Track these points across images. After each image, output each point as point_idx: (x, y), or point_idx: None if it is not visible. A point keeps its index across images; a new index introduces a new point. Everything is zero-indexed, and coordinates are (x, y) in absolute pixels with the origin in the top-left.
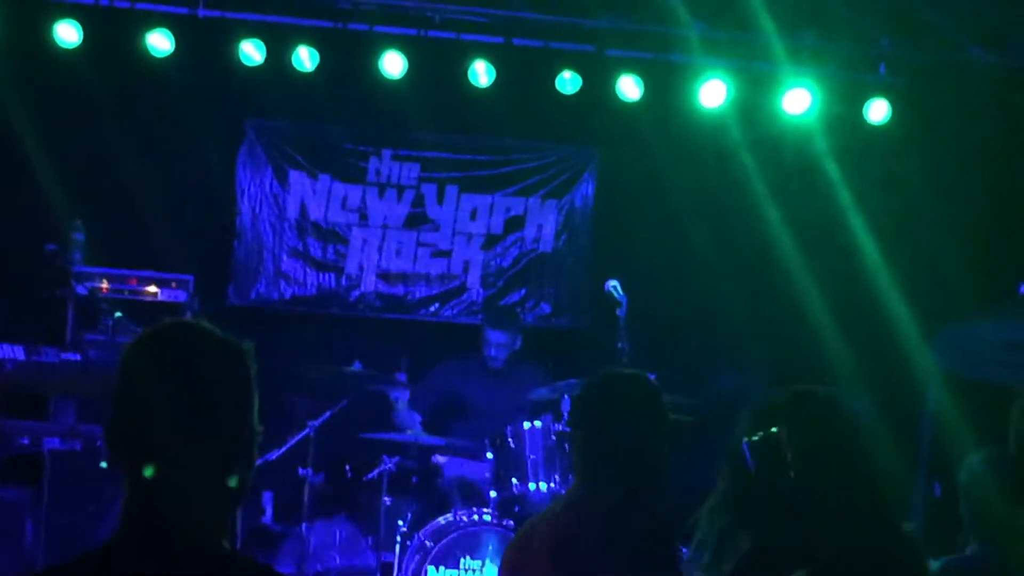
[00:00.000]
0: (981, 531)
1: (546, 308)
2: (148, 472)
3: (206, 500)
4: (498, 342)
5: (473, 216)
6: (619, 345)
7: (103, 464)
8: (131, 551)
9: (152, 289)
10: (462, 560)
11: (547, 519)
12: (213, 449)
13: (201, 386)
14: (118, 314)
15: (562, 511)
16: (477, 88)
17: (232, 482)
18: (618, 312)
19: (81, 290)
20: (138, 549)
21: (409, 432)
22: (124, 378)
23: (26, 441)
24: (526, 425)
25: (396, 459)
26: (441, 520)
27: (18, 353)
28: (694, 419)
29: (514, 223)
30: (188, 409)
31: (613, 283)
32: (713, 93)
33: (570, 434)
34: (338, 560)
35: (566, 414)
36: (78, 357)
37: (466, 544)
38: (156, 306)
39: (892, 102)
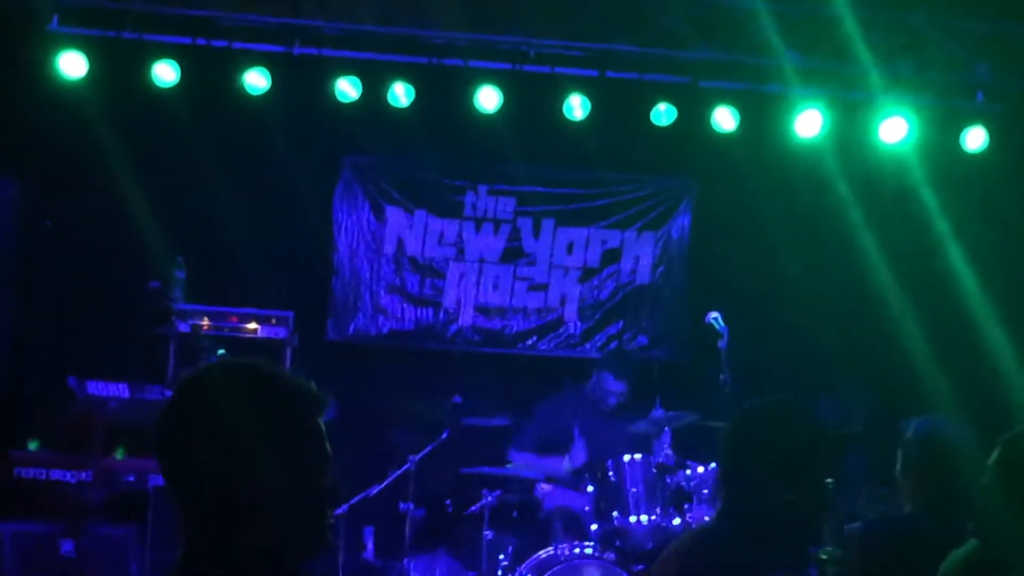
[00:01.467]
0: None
1: (643, 340)
2: None
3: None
4: (619, 391)
5: (569, 249)
6: (721, 377)
7: None
8: None
9: (252, 326)
10: None
11: (689, 546)
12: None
13: (235, 428)
14: (221, 351)
15: (702, 538)
16: (572, 121)
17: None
18: (719, 344)
19: (183, 327)
20: None
21: (509, 465)
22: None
23: (132, 479)
24: (626, 458)
25: (497, 493)
26: (542, 553)
27: (123, 391)
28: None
29: (610, 256)
30: (231, 452)
31: (714, 315)
32: (809, 123)
33: (718, 466)
34: None
35: (666, 446)
36: None
37: None
38: (256, 343)
39: (989, 130)
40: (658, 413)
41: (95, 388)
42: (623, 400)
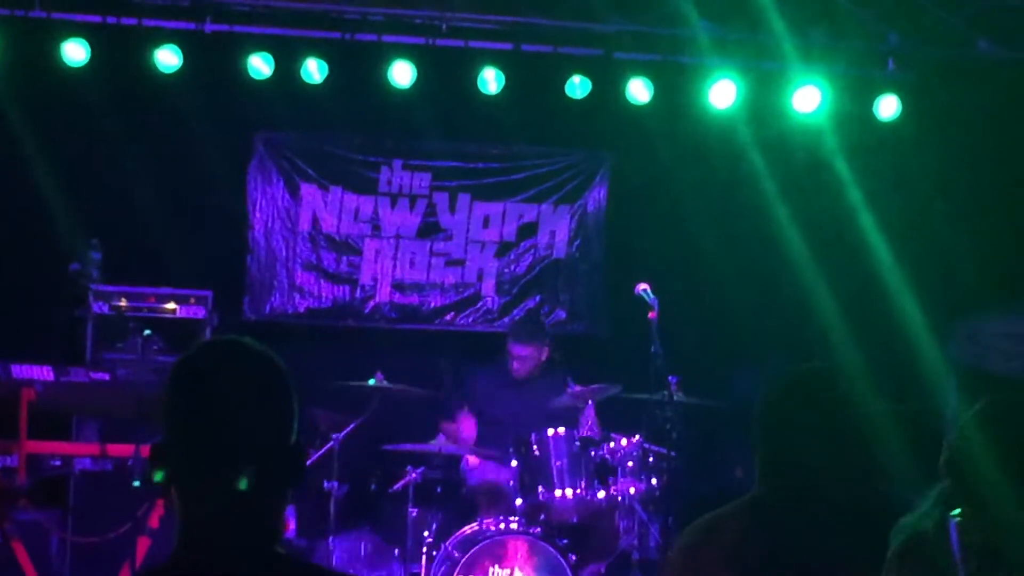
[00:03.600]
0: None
1: (561, 314)
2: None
3: (257, 512)
4: (521, 355)
5: (486, 224)
6: (652, 349)
7: (136, 483)
8: (192, 566)
9: (171, 306)
10: (490, 569)
11: (725, 522)
12: (262, 462)
13: (246, 400)
14: (148, 332)
15: (742, 514)
16: (487, 95)
17: (281, 492)
18: (650, 316)
19: (100, 309)
20: (198, 564)
21: (432, 441)
22: (171, 396)
23: (58, 463)
24: (550, 432)
25: (421, 469)
26: (467, 529)
27: (47, 374)
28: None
29: (527, 230)
30: (234, 425)
31: (644, 287)
32: (723, 93)
33: (755, 435)
34: (364, 573)
35: (590, 420)
36: (107, 376)
37: (494, 553)
38: (175, 323)
39: (902, 98)
40: (574, 388)
41: (19, 371)
42: (532, 365)
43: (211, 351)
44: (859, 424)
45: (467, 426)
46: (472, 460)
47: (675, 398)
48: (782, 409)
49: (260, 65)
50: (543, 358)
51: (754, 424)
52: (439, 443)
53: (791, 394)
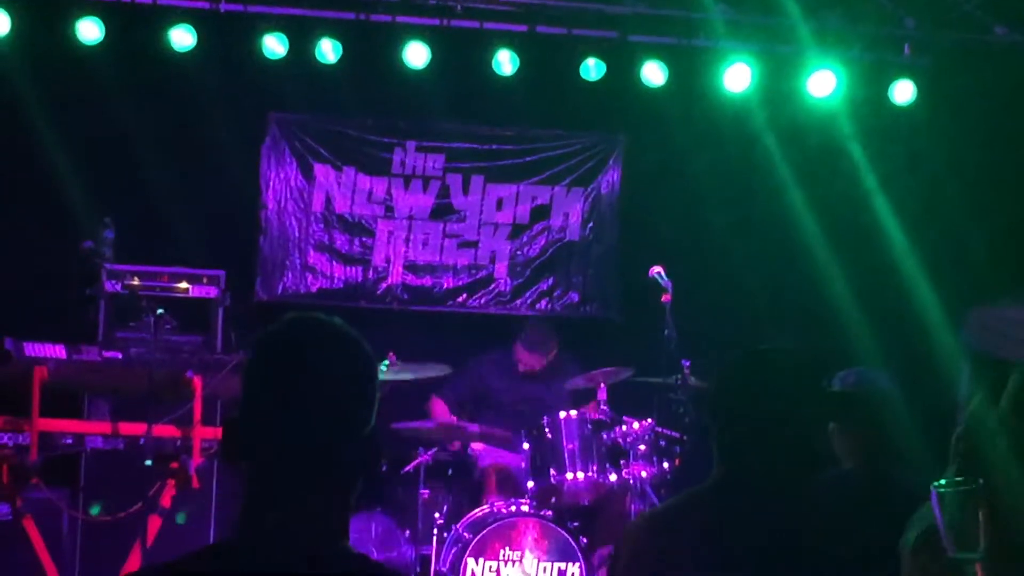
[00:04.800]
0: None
1: (574, 296)
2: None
3: (324, 499)
4: (528, 361)
5: (499, 206)
6: (665, 332)
7: (148, 462)
8: (251, 548)
9: (183, 285)
10: (501, 551)
11: (686, 510)
12: (337, 449)
13: (325, 384)
14: (160, 311)
15: (702, 501)
16: (501, 77)
17: (354, 482)
18: (663, 299)
19: (113, 288)
20: (258, 546)
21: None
22: (251, 373)
23: (70, 441)
24: (562, 415)
25: (432, 451)
26: (478, 511)
27: (59, 352)
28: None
29: (540, 212)
30: (312, 407)
31: (658, 270)
32: (738, 77)
33: (710, 417)
34: (375, 554)
35: (602, 403)
36: (119, 355)
37: (505, 535)
38: (188, 302)
39: (917, 83)
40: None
41: (32, 349)
42: (536, 368)
43: (300, 327)
44: (812, 406)
45: (440, 412)
46: (477, 446)
47: (687, 382)
48: (737, 391)
49: (274, 45)
50: (551, 358)
51: (709, 407)
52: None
53: (746, 376)
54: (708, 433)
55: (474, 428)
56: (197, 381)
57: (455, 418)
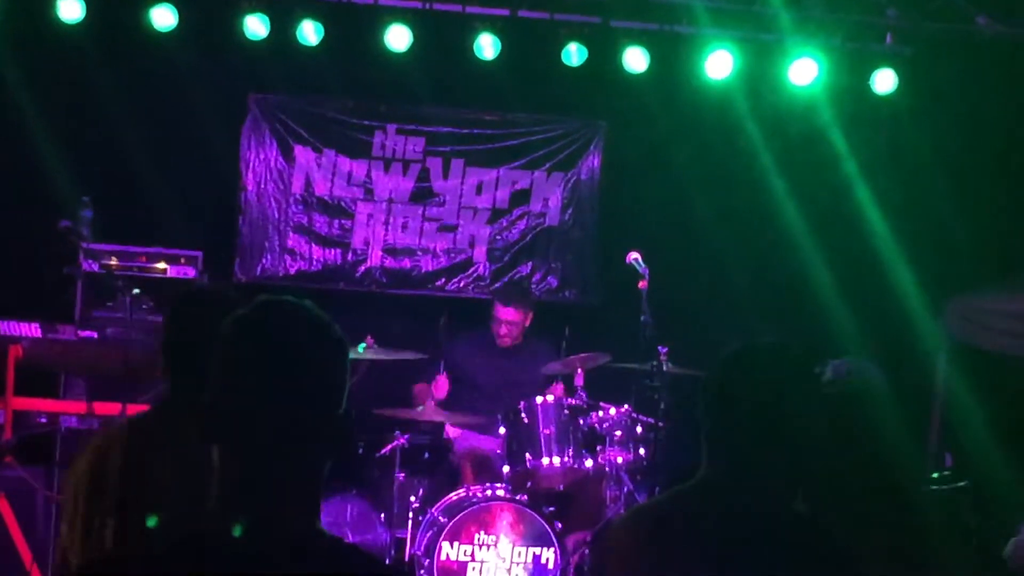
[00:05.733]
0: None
1: (553, 282)
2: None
3: (296, 480)
4: (509, 319)
5: (479, 190)
6: (642, 318)
7: None
8: (224, 534)
9: (161, 266)
10: (476, 535)
11: (674, 507)
12: (309, 432)
13: (296, 367)
14: (136, 291)
15: (691, 498)
16: (482, 61)
17: (324, 464)
18: (640, 285)
19: (90, 267)
20: (231, 532)
21: (420, 408)
22: (223, 357)
23: (44, 420)
24: (539, 399)
25: (408, 435)
26: (454, 496)
27: (35, 331)
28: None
29: (520, 197)
30: (284, 389)
31: (635, 255)
32: (719, 64)
33: (702, 413)
34: (350, 536)
35: (579, 388)
36: (95, 335)
37: (480, 519)
38: (165, 282)
39: (899, 72)
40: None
41: (6, 327)
42: (518, 331)
43: (271, 310)
44: (805, 403)
45: (441, 387)
46: (452, 431)
47: (664, 368)
48: (731, 387)
49: (256, 26)
50: (527, 324)
51: (702, 402)
52: (428, 410)
53: (741, 372)
54: (697, 427)
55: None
56: None
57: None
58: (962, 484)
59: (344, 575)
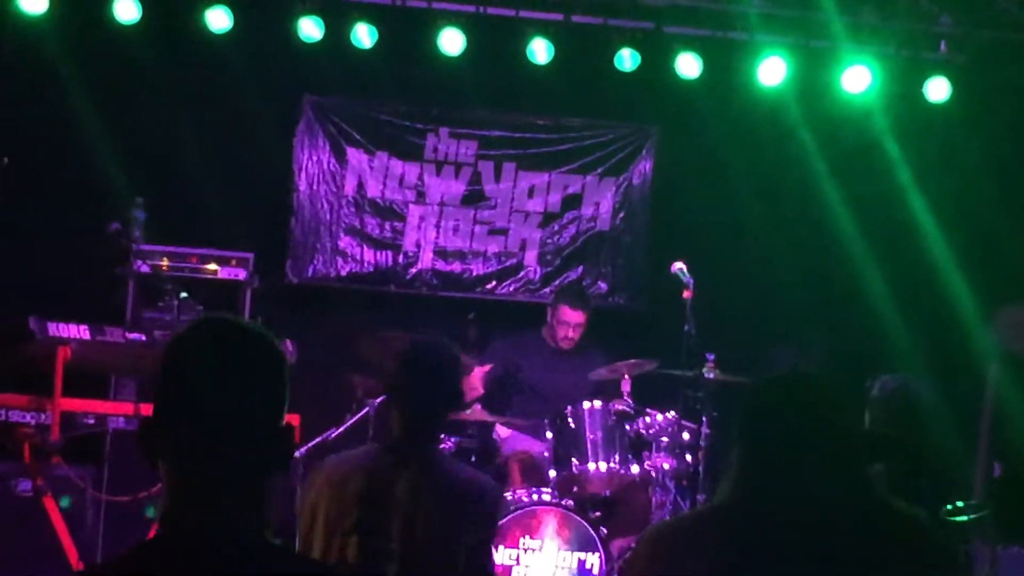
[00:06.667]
0: None
1: (603, 286)
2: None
3: (243, 495)
4: (575, 322)
5: (530, 194)
6: (685, 328)
7: None
8: (176, 546)
9: (212, 267)
10: (521, 539)
11: (698, 529)
12: (252, 445)
13: (239, 382)
14: (184, 294)
15: (715, 520)
16: (535, 65)
17: (268, 476)
18: (684, 295)
19: (142, 268)
20: (183, 544)
21: (468, 411)
22: (164, 374)
23: (92, 421)
24: (585, 405)
25: (455, 438)
26: None
27: (83, 332)
28: (888, 433)
29: (571, 201)
30: (226, 405)
31: (679, 265)
32: (772, 71)
33: (736, 439)
34: None
35: (626, 394)
36: (143, 337)
37: (525, 523)
38: (216, 284)
39: (952, 81)
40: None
41: (55, 329)
42: (579, 333)
43: (204, 330)
44: (839, 436)
45: (475, 380)
46: (503, 431)
47: (711, 376)
48: (755, 414)
49: (310, 28)
50: (585, 326)
51: (737, 429)
52: (475, 412)
53: (778, 403)
54: (731, 452)
55: (498, 420)
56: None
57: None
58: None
59: None
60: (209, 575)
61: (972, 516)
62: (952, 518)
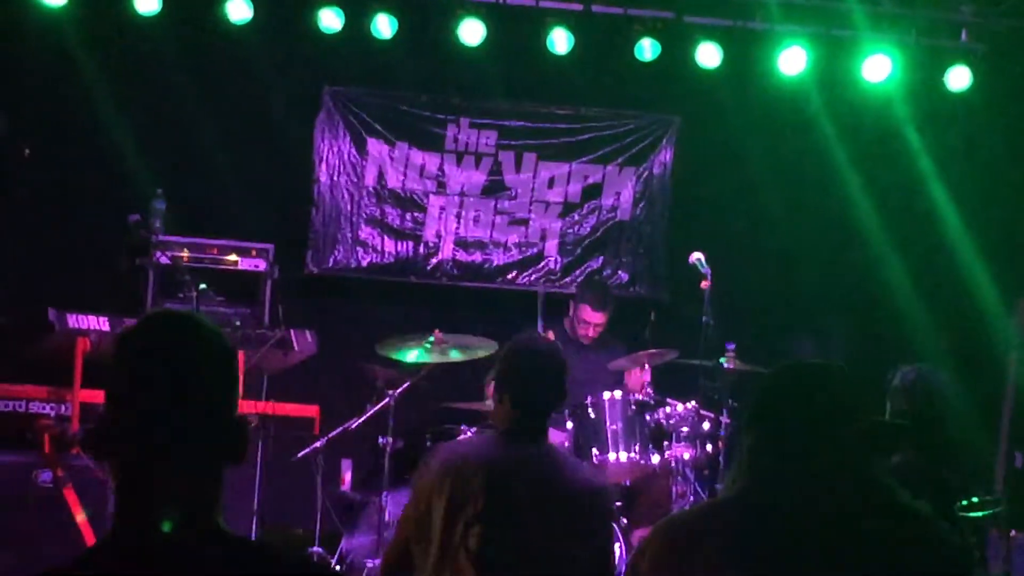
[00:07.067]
0: None
1: (624, 276)
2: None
3: (193, 487)
4: (596, 322)
5: (551, 184)
6: (703, 319)
7: None
8: (126, 546)
9: (232, 258)
10: None
11: (710, 520)
12: (200, 439)
13: (185, 377)
14: (203, 285)
15: (728, 511)
16: (555, 55)
17: (221, 468)
18: (703, 285)
19: (162, 259)
20: (133, 544)
21: (488, 400)
22: (113, 371)
23: None
24: (606, 395)
25: (476, 428)
26: None
27: (103, 324)
28: (904, 423)
29: (592, 191)
30: (174, 401)
31: (698, 255)
32: (793, 60)
33: (745, 429)
34: None
35: (646, 384)
36: None
37: None
38: (236, 275)
39: (973, 69)
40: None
41: (75, 321)
42: (599, 331)
43: (154, 325)
44: (852, 427)
45: None
46: None
47: (730, 366)
48: (768, 405)
49: (330, 19)
50: (606, 324)
51: (747, 419)
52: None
53: (789, 394)
54: (741, 440)
55: None
56: (239, 355)
57: None
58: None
59: (250, 573)
60: (166, 572)
61: (987, 512)
62: (968, 514)
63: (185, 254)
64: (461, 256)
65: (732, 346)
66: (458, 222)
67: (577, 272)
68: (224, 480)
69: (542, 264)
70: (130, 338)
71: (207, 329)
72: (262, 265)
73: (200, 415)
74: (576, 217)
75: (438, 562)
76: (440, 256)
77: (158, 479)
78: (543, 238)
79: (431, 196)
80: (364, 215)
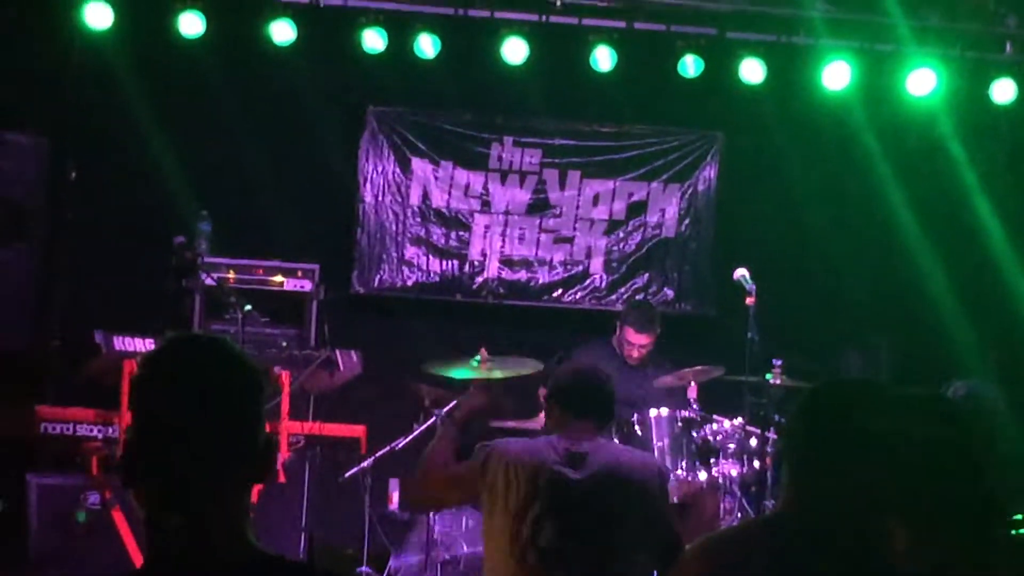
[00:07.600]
0: None
1: (669, 293)
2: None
3: (221, 508)
4: (641, 343)
5: (595, 202)
6: (748, 335)
7: None
8: (170, 569)
9: (278, 279)
10: None
11: (750, 542)
12: (225, 461)
13: (206, 402)
14: (248, 307)
15: (767, 533)
16: (599, 73)
17: (247, 487)
18: (748, 301)
19: (208, 281)
20: (176, 567)
21: (535, 420)
22: (135, 398)
23: None
24: (652, 412)
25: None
26: None
27: (149, 346)
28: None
29: (636, 208)
30: (194, 425)
31: (742, 271)
32: (837, 75)
33: (787, 448)
34: (464, 548)
35: (692, 401)
36: None
37: None
38: (282, 295)
39: (1018, 82)
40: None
41: (121, 343)
42: (646, 353)
43: (183, 347)
44: (894, 445)
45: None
46: None
47: (776, 382)
48: (808, 424)
49: (374, 39)
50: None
51: (788, 437)
52: (540, 420)
53: (825, 408)
54: (782, 460)
55: None
56: (285, 376)
57: None
58: None
59: None
60: None
61: None
62: (1018, 530)
63: (231, 275)
64: (506, 274)
65: (779, 362)
66: (503, 240)
67: (622, 289)
68: (249, 498)
69: (587, 282)
70: (156, 361)
71: (229, 351)
72: (308, 286)
73: (222, 438)
74: (621, 234)
75: (505, 556)
76: (485, 275)
77: (187, 504)
78: (588, 256)
79: (476, 215)
80: (409, 235)
